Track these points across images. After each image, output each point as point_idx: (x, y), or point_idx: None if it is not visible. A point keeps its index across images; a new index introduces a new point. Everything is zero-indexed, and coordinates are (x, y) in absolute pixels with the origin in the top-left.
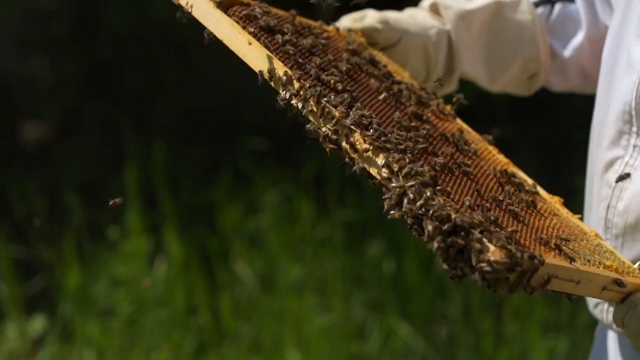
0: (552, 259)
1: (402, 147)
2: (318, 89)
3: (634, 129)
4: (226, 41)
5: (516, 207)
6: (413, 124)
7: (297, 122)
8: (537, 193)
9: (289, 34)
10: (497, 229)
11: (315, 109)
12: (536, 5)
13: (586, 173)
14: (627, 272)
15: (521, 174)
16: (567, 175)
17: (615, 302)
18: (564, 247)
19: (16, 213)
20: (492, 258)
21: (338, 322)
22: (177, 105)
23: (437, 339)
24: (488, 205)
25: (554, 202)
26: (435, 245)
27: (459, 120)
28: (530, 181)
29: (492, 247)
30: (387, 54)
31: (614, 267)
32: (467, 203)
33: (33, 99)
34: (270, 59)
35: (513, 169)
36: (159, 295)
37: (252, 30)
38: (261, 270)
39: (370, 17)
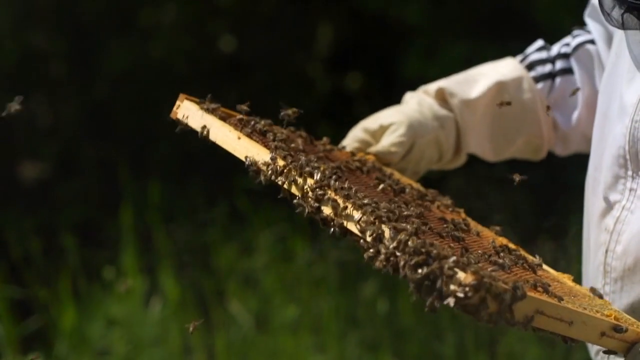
0: (535, 293)
1: (384, 209)
2: (302, 163)
3: (629, 172)
4: (219, 141)
5: (506, 262)
6: (409, 206)
7: None
8: (540, 265)
9: (282, 136)
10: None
11: (298, 179)
12: (537, 80)
13: (583, 222)
14: (631, 324)
15: (526, 254)
16: (560, 216)
17: (623, 354)
18: (551, 290)
19: (13, 253)
20: (463, 282)
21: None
22: (174, 145)
23: None
24: (473, 257)
25: (564, 277)
26: (408, 275)
27: (465, 215)
28: (536, 259)
29: (463, 274)
30: (403, 159)
31: (613, 315)
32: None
33: (31, 139)
34: (258, 147)
35: (520, 250)
36: (154, 335)
37: (242, 130)
38: (256, 310)
39: (384, 141)
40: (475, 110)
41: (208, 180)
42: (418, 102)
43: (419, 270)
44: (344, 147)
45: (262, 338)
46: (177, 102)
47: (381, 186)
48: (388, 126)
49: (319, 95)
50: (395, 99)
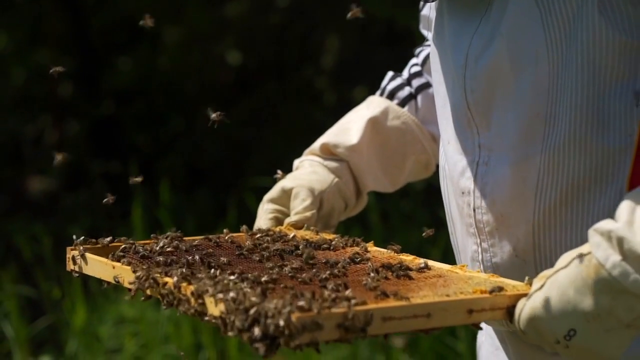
0: (374, 304)
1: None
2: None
3: (475, 129)
4: (95, 274)
5: (371, 283)
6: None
7: None
8: (426, 267)
9: (164, 249)
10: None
11: (154, 284)
12: (402, 105)
13: (445, 209)
14: (510, 288)
15: (411, 261)
16: None
17: (506, 321)
18: (402, 294)
19: (24, 254)
20: (282, 321)
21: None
22: (182, 154)
23: None
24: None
25: (455, 269)
26: (240, 335)
27: (370, 246)
28: (421, 263)
29: (292, 316)
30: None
31: (480, 289)
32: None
33: (38, 154)
34: (128, 269)
35: (406, 261)
36: (165, 334)
37: (121, 259)
38: None
39: (295, 208)
40: (362, 152)
41: (216, 185)
42: (310, 164)
43: (252, 330)
44: (257, 229)
45: None
46: (67, 257)
47: (268, 264)
48: (290, 190)
49: (325, 108)
50: None
